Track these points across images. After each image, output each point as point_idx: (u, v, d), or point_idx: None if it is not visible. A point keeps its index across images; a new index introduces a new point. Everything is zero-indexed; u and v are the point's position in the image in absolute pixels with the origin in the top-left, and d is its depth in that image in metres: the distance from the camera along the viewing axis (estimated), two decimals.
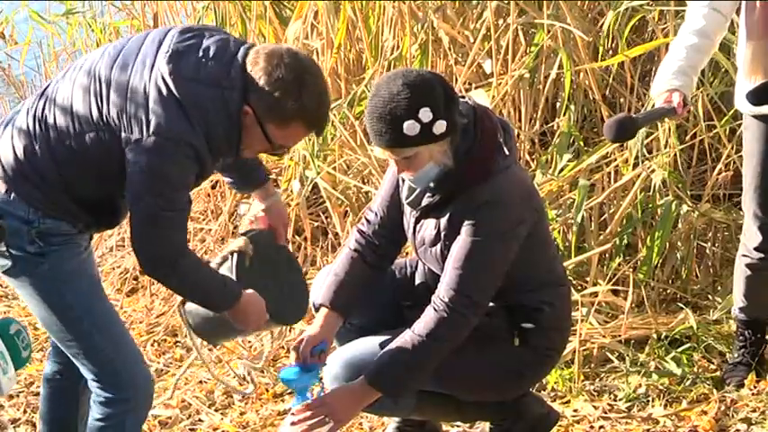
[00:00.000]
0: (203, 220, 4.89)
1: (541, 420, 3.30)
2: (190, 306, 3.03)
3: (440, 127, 2.89)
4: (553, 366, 3.26)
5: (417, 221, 3.06)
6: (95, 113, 2.67)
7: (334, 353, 3.16)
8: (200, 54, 2.68)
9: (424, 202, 2.99)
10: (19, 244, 2.77)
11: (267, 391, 3.82)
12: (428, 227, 3.01)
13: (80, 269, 2.88)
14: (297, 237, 4.77)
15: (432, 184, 2.98)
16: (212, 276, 2.89)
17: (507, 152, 2.97)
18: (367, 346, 3.07)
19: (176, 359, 4.12)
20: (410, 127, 2.87)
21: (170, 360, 4.12)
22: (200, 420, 3.75)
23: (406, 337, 2.93)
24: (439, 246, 2.99)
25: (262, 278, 3.03)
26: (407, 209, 3.06)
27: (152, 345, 4.23)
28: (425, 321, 2.91)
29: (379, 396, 2.97)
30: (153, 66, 2.68)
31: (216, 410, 3.78)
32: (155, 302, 4.43)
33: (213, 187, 4.85)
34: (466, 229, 2.93)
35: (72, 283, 2.83)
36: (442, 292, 2.93)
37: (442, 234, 2.96)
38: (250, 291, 2.92)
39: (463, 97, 3.06)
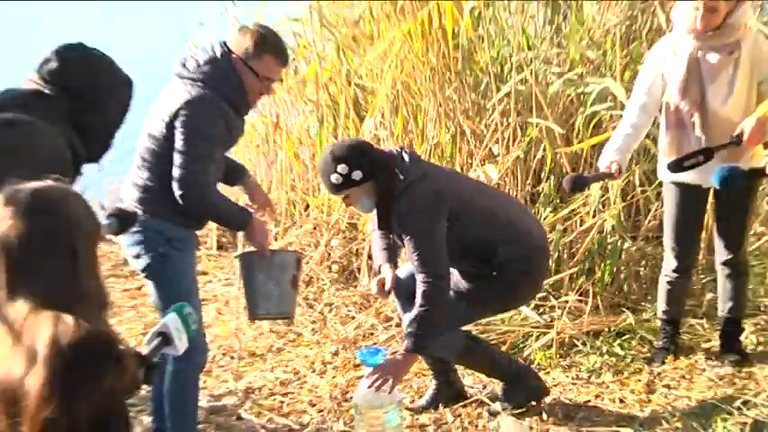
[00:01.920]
0: None
1: (536, 389, 3.73)
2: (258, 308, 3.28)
3: (357, 175, 3.21)
4: (529, 288, 3.57)
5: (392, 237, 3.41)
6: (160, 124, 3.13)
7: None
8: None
9: (376, 221, 3.34)
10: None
11: (350, 362, 4.26)
12: (396, 240, 3.37)
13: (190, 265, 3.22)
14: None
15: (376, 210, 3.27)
16: (231, 203, 3.15)
17: (402, 177, 3.24)
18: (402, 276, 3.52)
19: (291, 340, 4.57)
20: (336, 178, 3.22)
21: (286, 341, 4.56)
22: (305, 381, 4.13)
23: (414, 312, 3.28)
24: (404, 252, 3.40)
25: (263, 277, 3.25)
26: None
27: (270, 330, 4.62)
28: (418, 297, 3.27)
29: (417, 357, 3.39)
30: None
31: (316, 375, 4.18)
32: None
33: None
34: (404, 236, 3.26)
35: (183, 276, 3.20)
36: (417, 277, 3.25)
37: (400, 242, 3.37)
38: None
39: (390, 152, 3.33)
